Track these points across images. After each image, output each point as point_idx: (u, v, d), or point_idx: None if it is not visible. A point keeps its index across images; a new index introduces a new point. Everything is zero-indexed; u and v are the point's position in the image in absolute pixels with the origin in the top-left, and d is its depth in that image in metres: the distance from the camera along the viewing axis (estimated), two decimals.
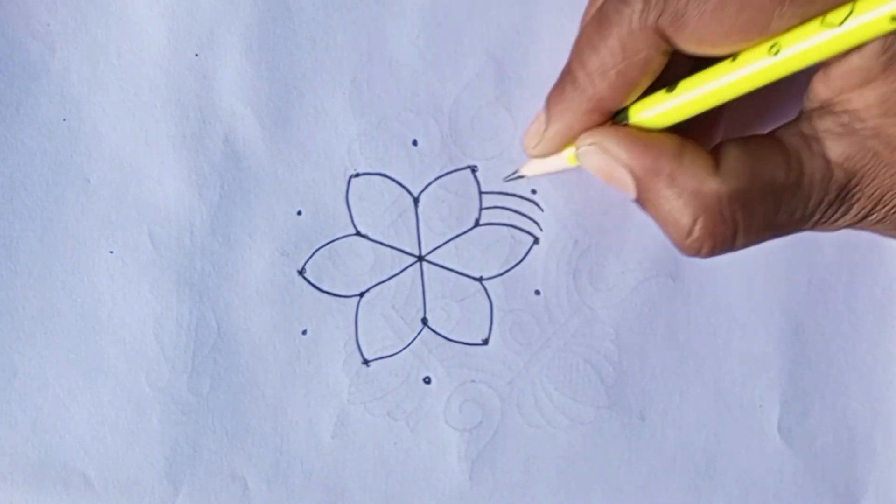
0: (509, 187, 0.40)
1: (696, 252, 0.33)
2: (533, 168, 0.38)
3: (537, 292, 0.40)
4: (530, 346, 0.40)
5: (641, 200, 0.34)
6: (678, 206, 0.33)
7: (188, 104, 0.40)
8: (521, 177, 0.39)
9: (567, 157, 0.36)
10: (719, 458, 0.41)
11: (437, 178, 0.40)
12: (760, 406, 0.41)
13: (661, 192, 0.33)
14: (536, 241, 0.40)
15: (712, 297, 0.41)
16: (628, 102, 0.34)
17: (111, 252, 0.40)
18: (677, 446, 0.41)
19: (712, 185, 0.32)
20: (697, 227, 0.32)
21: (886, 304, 0.41)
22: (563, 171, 0.37)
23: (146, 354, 0.40)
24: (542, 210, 0.40)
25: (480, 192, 0.40)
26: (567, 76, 0.34)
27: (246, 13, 0.40)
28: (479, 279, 0.40)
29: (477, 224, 0.40)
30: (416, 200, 0.40)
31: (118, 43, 0.40)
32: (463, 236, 0.40)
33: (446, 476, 0.40)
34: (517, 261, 0.40)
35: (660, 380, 0.41)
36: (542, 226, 0.40)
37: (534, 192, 0.40)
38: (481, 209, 0.40)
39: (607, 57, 0.32)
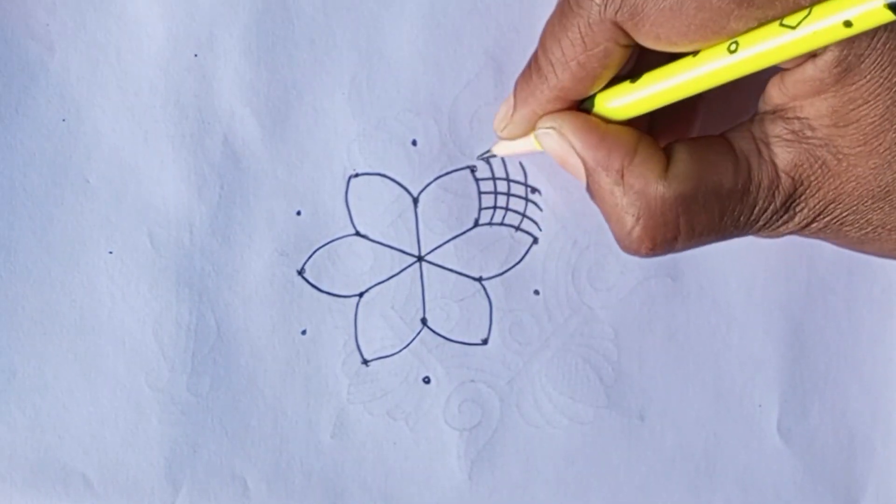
0: (509, 188, 0.40)
1: (636, 251, 0.34)
2: (504, 148, 0.38)
3: (536, 292, 0.40)
4: (529, 345, 0.40)
5: (590, 190, 0.35)
6: (623, 203, 0.33)
7: (187, 104, 0.40)
8: (493, 155, 0.39)
9: (534, 142, 0.36)
10: (719, 458, 0.41)
11: (436, 179, 0.40)
12: (760, 406, 0.41)
13: (608, 187, 0.34)
14: (536, 240, 0.40)
15: (712, 297, 0.41)
16: (592, 92, 0.34)
17: (110, 252, 0.40)
18: (677, 446, 0.41)
19: (658, 187, 0.33)
20: (638, 227, 0.33)
21: (886, 304, 0.41)
22: (531, 154, 0.38)
23: (146, 354, 0.40)
24: (541, 210, 0.40)
25: (480, 193, 0.40)
26: (533, 64, 0.35)
27: (245, 14, 0.40)
28: (479, 279, 0.40)
29: (476, 224, 0.40)
30: (415, 200, 0.40)
31: (118, 43, 0.40)
32: (462, 236, 0.40)
33: (446, 476, 0.40)
34: (516, 261, 0.40)
35: (659, 380, 0.41)
36: (541, 226, 0.40)
37: (533, 191, 0.40)
38: (481, 209, 0.40)
39: (568, 48, 0.33)
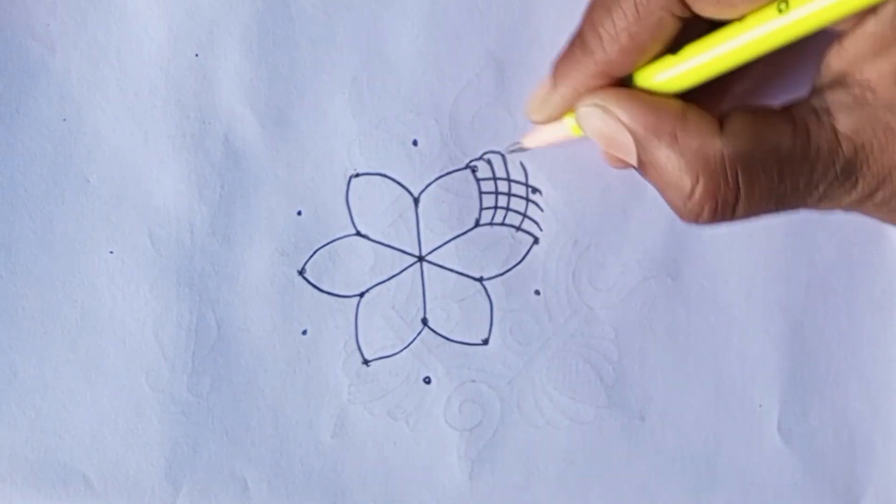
0: (510, 188, 0.40)
1: (697, 216, 0.32)
2: (534, 139, 0.38)
3: (537, 292, 0.40)
4: (530, 345, 0.40)
5: (642, 164, 0.33)
6: (680, 166, 0.32)
7: (188, 104, 0.40)
8: (523, 148, 0.39)
9: (571, 127, 0.35)
10: (719, 458, 0.41)
11: (437, 179, 0.40)
12: (760, 406, 0.41)
13: (662, 153, 0.32)
14: (536, 241, 0.40)
15: (712, 297, 0.41)
16: (636, 69, 0.33)
17: (111, 252, 0.40)
18: (677, 446, 0.41)
19: (716, 144, 0.31)
20: (699, 188, 0.32)
21: (886, 304, 0.41)
22: (565, 143, 0.37)
23: (146, 354, 0.40)
24: (541, 210, 0.40)
25: (481, 193, 0.40)
26: (577, 39, 0.34)
27: (246, 13, 0.40)
28: (479, 279, 0.40)
29: (477, 224, 0.40)
30: (416, 200, 0.40)
31: (118, 43, 0.40)
32: (463, 236, 0.40)
33: (446, 476, 0.40)
34: (517, 261, 0.40)
35: (660, 380, 0.41)
36: (542, 226, 0.40)
37: (534, 191, 0.40)
38: (481, 209, 0.40)
39: (620, 18, 0.32)
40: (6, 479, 0.39)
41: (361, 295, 0.40)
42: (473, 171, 0.40)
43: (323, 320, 0.40)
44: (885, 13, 0.30)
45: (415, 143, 0.40)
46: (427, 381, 0.40)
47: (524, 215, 0.40)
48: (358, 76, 0.40)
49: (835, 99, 0.32)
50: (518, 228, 0.40)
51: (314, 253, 0.40)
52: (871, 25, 0.30)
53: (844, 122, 0.32)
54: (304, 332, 0.40)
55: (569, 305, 0.40)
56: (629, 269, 0.41)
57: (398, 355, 0.40)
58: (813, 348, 0.41)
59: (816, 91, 0.33)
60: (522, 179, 0.40)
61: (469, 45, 0.40)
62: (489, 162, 0.40)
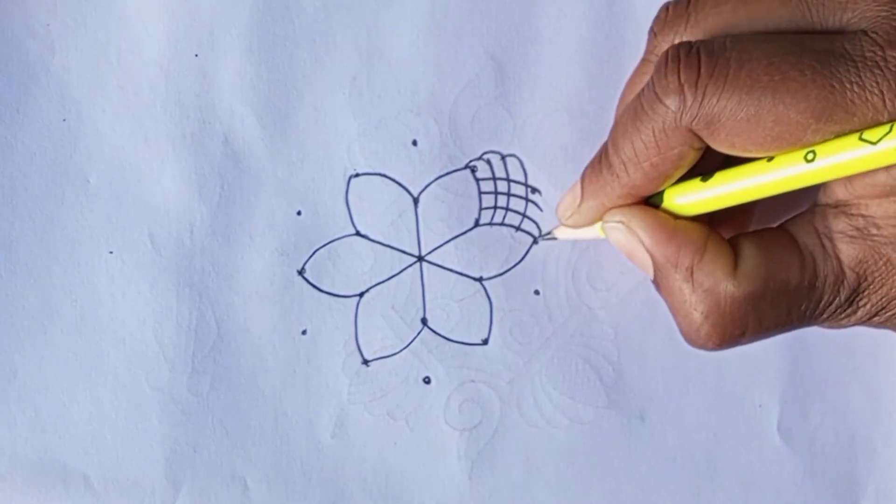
0: (509, 188, 0.40)
1: (702, 346, 0.34)
2: (566, 233, 0.38)
3: (537, 292, 0.40)
4: (530, 345, 0.40)
5: (657, 285, 0.35)
6: (692, 300, 0.33)
7: (188, 104, 0.40)
8: (555, 238, 0.39)
9: (599, 229, 0.37)
10: (719, 458, 0.41)
11: (436, 179, 0.40)
12: (760, 406, 0.41)
13: (677, 284, 0.34)
14: (536, 241, 0.40)
15: None
16: (662, 188, 0.34)
17: (111, 252, 0.40)
18: (677, 446, 0.41)
19: (728, 286, 0.33)
20: (707, 324, 0.33)
21: None
22: (595, 240, 0.38)
23: (146, 354, 0.40)
24: (541, 210, 0.40)
25: (480, 193, 0.40)
26: (603, 159, 0.35)
27: (246, 13, 0.40)
28: (479, 279, 0.40)
29: (477, 224, 0.40)
30: (415, 200, 0.40)
31: (118, 43, 0.40)
32: (463, 236, 0.40)
33: (446, 476, 0.40)
34: (517, 261, 0.40)
35: (659, 380, 0.41)
36: (541, 226, 0.40)
37: (534, 191, 0.40)
38: (481, 209, 0.40)
39: (641, 149, 0.33)
40: (6, 479, 0.39)
41: (361, 295, 0.40)
42: (473, 171, 0.40)
43: (322, 320, 0.40)
44: None
45: (414, 143, 0.40)
46: (427, 381, 0.40)
47: (524, 215, 0.40)
48: (358, 76, 0.40)
49: (838, 227, 0.33)
50: (518, 228, 0.40)
51: (314, 253, 0.40)
52: (882, 177, 0.31)
53: (848, 253, 0.33)
54: (304, 332, 0.40)
55: (568, 305, 0.40)
56: (629, 269, 0.40)
57: (398, 355, 0.40)
58: (813, 348, 0.41)
59: (819, 211, 0.34)
60: (522, 179, 0.40)
61: (469, 45, 0.40)
62: (489, 162, 0.40)
